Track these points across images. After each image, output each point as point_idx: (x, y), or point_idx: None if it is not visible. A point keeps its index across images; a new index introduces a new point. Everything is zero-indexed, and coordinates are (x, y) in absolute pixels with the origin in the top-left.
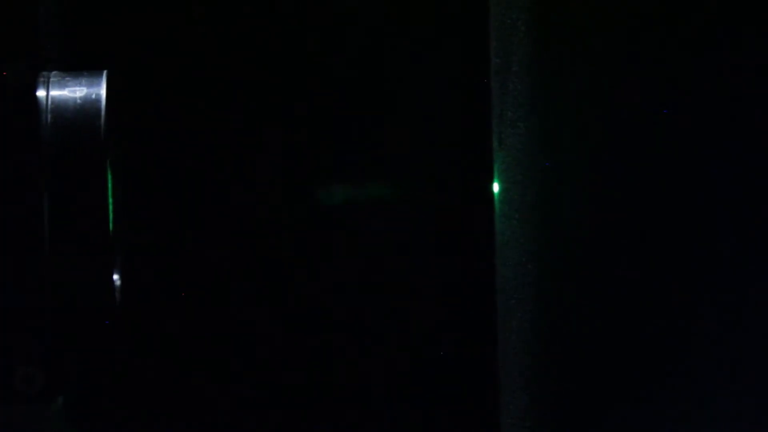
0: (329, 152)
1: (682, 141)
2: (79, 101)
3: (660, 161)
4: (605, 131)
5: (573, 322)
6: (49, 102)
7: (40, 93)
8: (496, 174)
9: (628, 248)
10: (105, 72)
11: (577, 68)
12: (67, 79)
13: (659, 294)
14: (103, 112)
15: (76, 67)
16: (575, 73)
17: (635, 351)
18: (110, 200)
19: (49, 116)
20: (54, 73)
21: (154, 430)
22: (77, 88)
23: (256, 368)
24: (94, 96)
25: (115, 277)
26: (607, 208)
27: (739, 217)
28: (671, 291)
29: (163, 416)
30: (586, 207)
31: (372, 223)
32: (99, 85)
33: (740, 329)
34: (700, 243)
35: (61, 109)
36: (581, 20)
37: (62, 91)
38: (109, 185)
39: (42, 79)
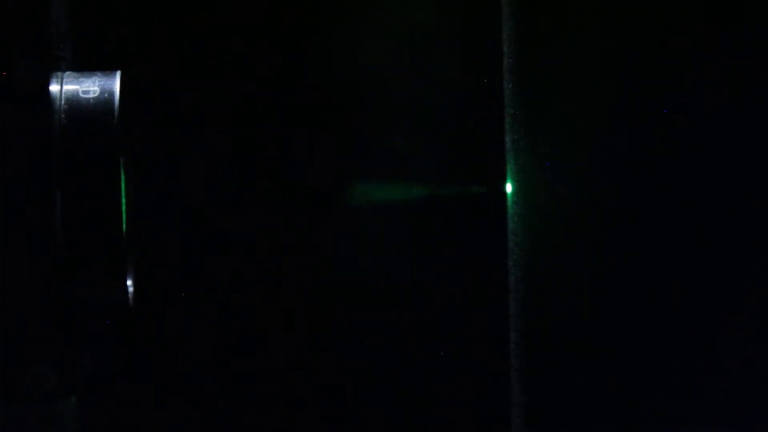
0: (341, 153)
1: (688, 141)
2: (92, 101)
3: (665, 161)
4: (616, 132)
5: (585, 322)
6: (63, 102)
7: (54, 93)
8: (508, 174)
9: (637, 248)
10: (119, 72)
11: (589, 69)
12: (81, 78)
13: (663, 294)
14: (116, 112)
15: (90, 67)
16: (587, 74)
17: (641, 351)
18: (123, 200)
19: (62, 116)
20: (67, 72)
21: (166, 431)
22: (91, 88)
23: (265, 369)
24: (107, 96)
25: (128, 276)
26: (618, 209)
27: (739, 217)
28: (675, 291)
29: (175, 416)
30: (597, 207)
31: (384, 224)
32: (113, 84)
33: (740, 329)
34: (702, 242)
35: (74, 108)
36: (592, 21)
37: (76, 91)
38: (123, 185)
39: (55, 79)
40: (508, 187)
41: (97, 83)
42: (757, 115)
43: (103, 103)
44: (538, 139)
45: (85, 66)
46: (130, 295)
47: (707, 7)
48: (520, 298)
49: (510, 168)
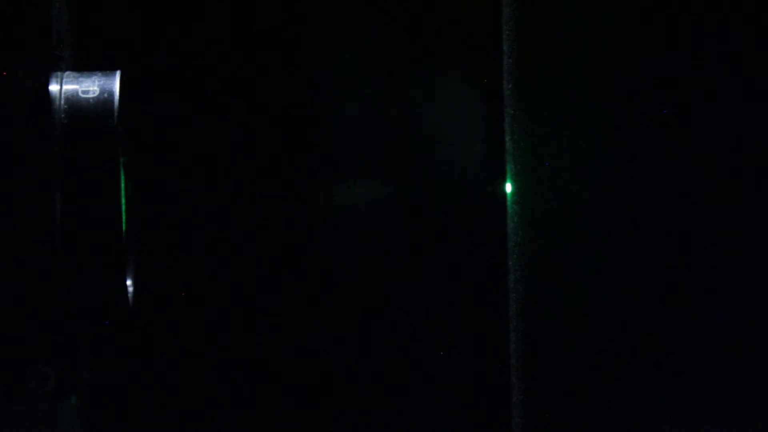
0: (340, 153)
1: (688, 141)
2: (92, 101)
3: (665, 161)
4: (616, 132)
5: (585, 322)
6: (62, 101)
7: (54, 92)
8: (508, 174)
9: (638, 248)
10: (119, 72)
11: (589, 69)
12: (81, 78)
13: (663, 294)
14: (116, 112)
15: (90, 67)
16: (587, 74)
17: (642, 351)
18: (123, 200)
19: (62, 116)
20: (67, 72)
21: (166, 431)
22: (90, 88)
23: (265, 369)
24: (107, 96)
25: (128, 276)
26: (618, 209)
27: (739, 217)
28: (675, 291)
29: (175, 416)
30: (598, 207)
31: (384, 225)
32: (112, 84)
33: (741, 329)
34: (702, 243)
35: (74, 108)
36: (592, 21)
37: (75, 91)
38: (122, 186)
39: (55, 79)
40: (508, 187)
41: (96, 83)
42: (757, 115)
43: (102, 103)
44: (538, 139)
45: (85, 66)
46: (130, 295)
47: (708, 7)
48: (520, 298)
49: (510, 168)
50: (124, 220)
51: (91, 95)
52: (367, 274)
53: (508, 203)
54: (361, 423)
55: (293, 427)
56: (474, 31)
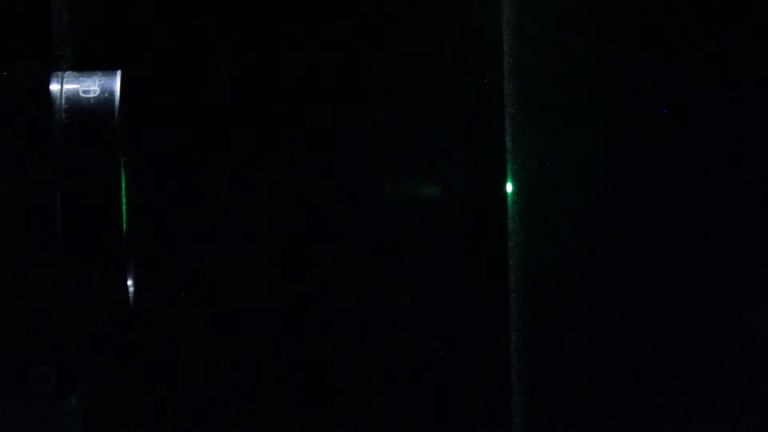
0: (340, 153)
1: (688, 141)
2: (92, 101)
3: (665, 161)
4: (616, 131)
5: (585, 322)
6: (63, 101)
7: (54, 92)
8: (509, 174)
9: (638, 248)
10: (119, 72)
11: (589, 69)
12: (81, 78)
13: (663, 293)
14: (116, 112)
15: (90, 67)
16: (587, 74)
17: (642, 351)
18: (124, 201)
19: (63, 115)
20: (68, 72)
21: (166, 431)
22: (91, 88)
23: (265, 368)
24: (107, 95)
25: (128, 276)
26: (618, 209)
27: (739, 216)
28: (675, 291)
29: (175, 417)
30: (598, 207)
31: (384, 225)
32: (113, 84)
33: (741, 328)
34: (702, 243)
35: (75, 108)
36: (592, 21)
37: (76, 90)
38: (123, 186)
39: (56, 79)
40: (508, 187)
41: (97, 83)
42: (757, 115)
43: (103, 102)
44: (538, 139)
45: (85, 66)
46: (130, 295)
47: (708, 7)
48: (520, 298)
49: (510, 168)
50: (124, 220)
51: (91, 95)
52: (367, 274)
53: (508, 203)
54: (362, 423)
55: (293, 427)
56: (474, 30)
